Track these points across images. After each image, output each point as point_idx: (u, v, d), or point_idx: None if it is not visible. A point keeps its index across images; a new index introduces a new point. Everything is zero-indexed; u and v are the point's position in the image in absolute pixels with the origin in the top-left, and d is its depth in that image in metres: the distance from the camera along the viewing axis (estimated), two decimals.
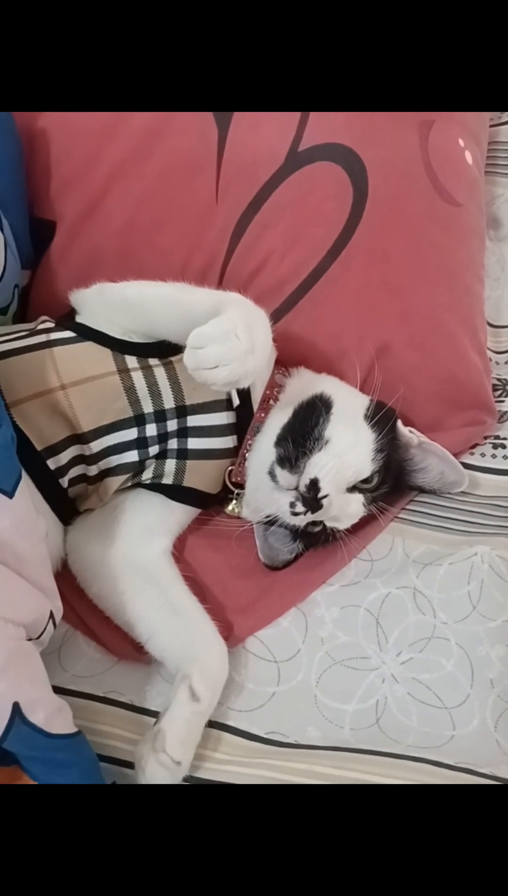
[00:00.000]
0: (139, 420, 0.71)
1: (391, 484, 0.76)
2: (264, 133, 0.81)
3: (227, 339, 0.61)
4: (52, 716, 0.53)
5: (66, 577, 0.73)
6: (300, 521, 0.70)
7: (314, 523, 0.72)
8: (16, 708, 0.51)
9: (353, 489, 0.72)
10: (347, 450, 0.70)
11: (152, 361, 0.71)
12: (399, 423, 0.77)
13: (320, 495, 0.67)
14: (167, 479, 0.74)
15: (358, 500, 0.72)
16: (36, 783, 0.54)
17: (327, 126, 0.81)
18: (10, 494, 0.56)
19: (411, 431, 0.78)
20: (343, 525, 0.73)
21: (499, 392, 0.88)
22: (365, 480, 0.72)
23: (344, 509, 0.71)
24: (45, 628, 0.59)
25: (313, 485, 0.67)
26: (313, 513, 0.68)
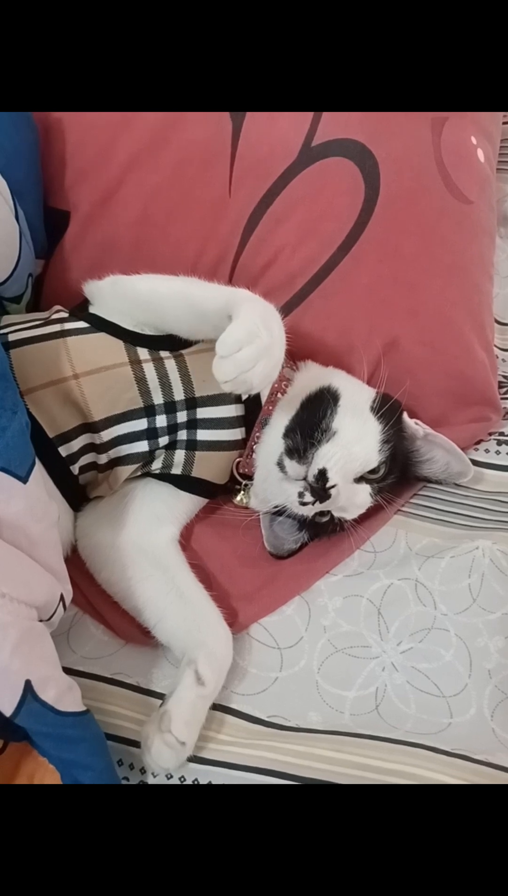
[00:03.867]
0: (149, 411, 0.72)
1: (398, 475, 0.77)
2: (278, 127, 0.82)
3: (254, 337, 0.61)
4: (63, 694, 0.55)
5: (75, 562, 0.75)
6: (309, 511, 0.71)
7: (322, 513, 0.73)
8: (28, 685, 0.52)
9: (360, 479, 0.73)
10: (354, 441, 0.71)
11: (163, 354, 0.73)
12: (405, 416, 0.78)
13: (328, 485, 0.69)
14: (176, 470, 0.76)
15: (365, 490, 0.74)
16: (44, 785, 0.56)
17: (340, 122, 0.81)
18: (25, 480, 0.58)
19: (416, 423, 0.79)
20: (351, 515, 0.74)
21: (505, 389, 0.89)
22: (372, 471, 0.73)
23: (352, 499, 0.72)
24: (55, 610, 0.60)
25: (322, 475, 0.69)
26: (321, 503, 0.69)
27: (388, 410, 0.75)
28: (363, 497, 0.73)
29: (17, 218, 0.77)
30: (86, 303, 0.77)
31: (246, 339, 0.60)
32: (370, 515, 0.77)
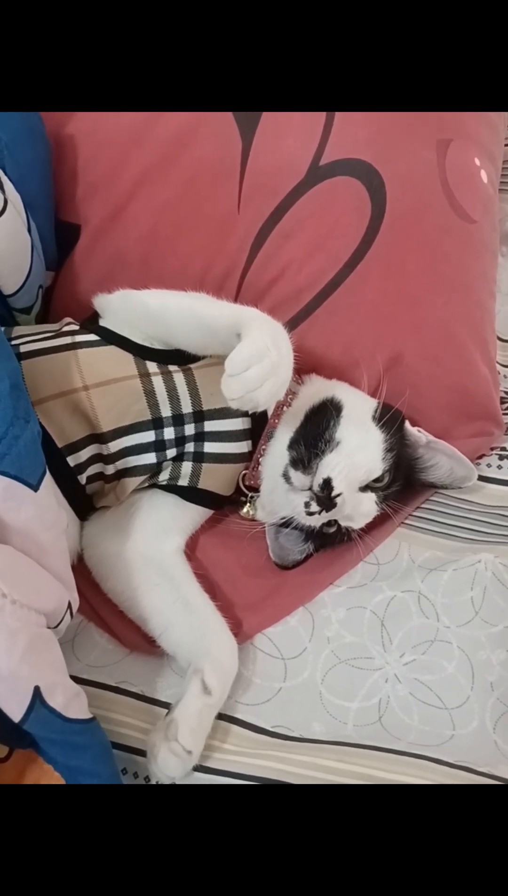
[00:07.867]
0: (157, 423, 0.73)
1: (402, 482, 0.78)
2: (287, 146, 0.83)
3: (263, 356, 0.62)
4: (70, 701, 0.55)
5: (80, 571, 0.75)
6: (315, 521, 0.72)
7: (329, 524, 0.74)
8: (36, 691, 0.53)
9: (365, 488, 0.74)
10: (357, 450, 0.72)
11: (172, 367, 0.74)
12: (407, 424, 0.79)
13: (333, 494, 0.69)
14: (183, 481, 0.77)
15: (371, 498, 0.74)
16: (49, 782, 0.56)
17: (348, 141, 0.83)
18: (36, 488, 0.58)
19: (419, 431, 0.80)
20: (357, 524, 0.75)
21: (507, 405, 0.90)
22: (377, 479, 0.74)
23: (357, 508, 0.73)
24: (63, 618, 0.61)
25: (327, 484, 0.70)
26: (327, 511, 0.70)
27: (390, 420, 0.76)
28: (368, 505, 0.74)
29: (29, 230, 0.78)
30: (96, 315, 0.79)
31: (255, 359, 0.62)
32: (377, 525, 0.78)
